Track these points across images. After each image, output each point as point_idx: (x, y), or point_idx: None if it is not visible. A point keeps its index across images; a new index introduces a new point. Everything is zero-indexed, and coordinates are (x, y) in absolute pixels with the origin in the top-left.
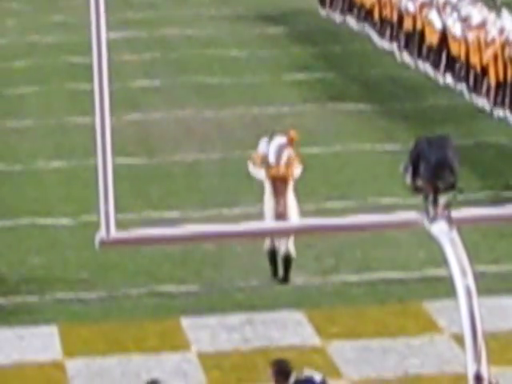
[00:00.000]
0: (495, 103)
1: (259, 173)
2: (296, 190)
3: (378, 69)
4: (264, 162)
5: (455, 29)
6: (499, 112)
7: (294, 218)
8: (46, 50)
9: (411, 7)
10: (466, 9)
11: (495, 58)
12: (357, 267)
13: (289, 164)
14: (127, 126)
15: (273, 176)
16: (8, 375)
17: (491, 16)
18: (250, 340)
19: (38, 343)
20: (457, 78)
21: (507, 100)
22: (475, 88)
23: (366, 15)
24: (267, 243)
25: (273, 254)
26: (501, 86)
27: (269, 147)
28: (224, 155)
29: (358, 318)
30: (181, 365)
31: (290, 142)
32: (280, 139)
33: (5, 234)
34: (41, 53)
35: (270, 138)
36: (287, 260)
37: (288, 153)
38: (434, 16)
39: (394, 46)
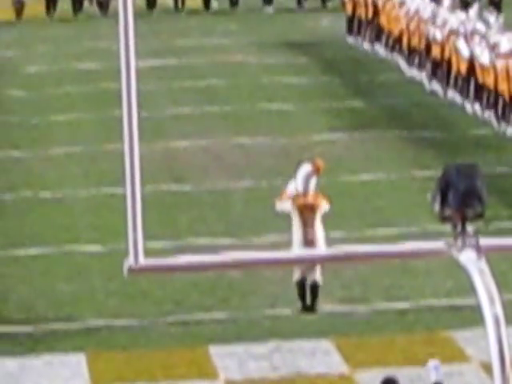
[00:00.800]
0: None
1: (285, 205)
2: (324, 218)
3: (406, 97)
4: (293, 194)
5: (483, 57)
6: None
7: (322, 247)
8: (74, 78)
9: (439, 36)
10: (495, 37)
11: None
12: (385, 295)
13: (317, 193)
14: (156, 154)
15: (300, 206)
16: None
17: None
18: (277, 368)
19: (67, 371)
20: (485, 106)
21: None
22: (503, 116)
23: (394, 43)
24: (297, 275)
25: (302, 286)
26: None
27: (297, 179)
28: (252, 183)
29: (386, 346)
30: None
31: (317, 171)
32: (306, 168)
33: (33, 262)
34: (69, 80)
35: (297, 168)
36: (314, 288)
37: (314, 182)
38: (461, 44)
39: (423, 75)
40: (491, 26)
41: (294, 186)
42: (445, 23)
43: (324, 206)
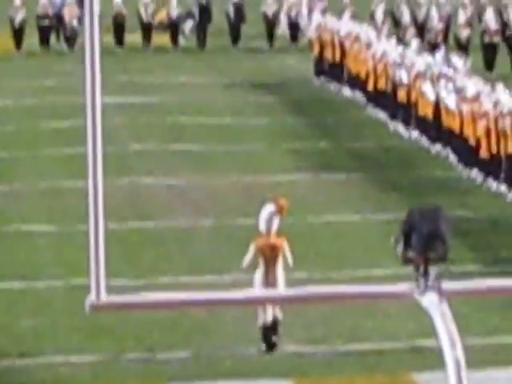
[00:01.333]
0: (486, 175)
1: (249, 252)
2: (285, 263)
3: (371, 139)
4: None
5: (449, 101)
6: (492, 185)
7: (282, 287)
8: (39, 114)
9: (405, 78)
10: (462, 81)
11: (487, 131)
12: (346, 337)
13: (279, 234)
14: (120, 190)
15: (262, 246)
16: None
17: (486, 88)
18: None
19: None
20: (450, 149)
21: (500, 173)
22: (469, 160)
23: (361, 85)
24: (261, 319)
25: (266, 330)
26: (494, 158)
27: (260, 218)
28: (216, 222)
29: None
30: None
31: (280, 210)
32: (270, 207)
33: None
34: (34, 116)
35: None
36: (275, 323)
37: (277, 222)
38: (427, 88)
39: (387, 117)
40: (458, 69)
41: (259, 223)
42: (412, 66)
43: (285, 248)
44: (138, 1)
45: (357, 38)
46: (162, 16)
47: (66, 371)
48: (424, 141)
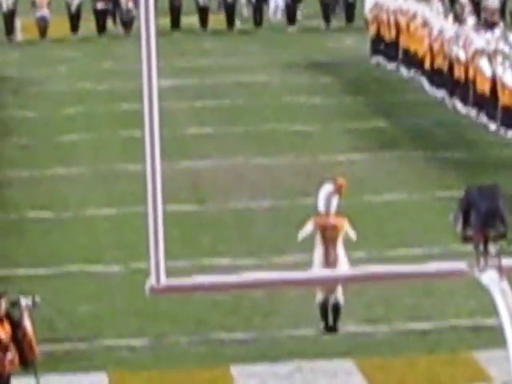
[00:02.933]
0: None
1: (307, 227)
2: (346, 238)
3: (429, 117)
4: (315, 215)
5: (506, 77)
6: None
7: (344, 267)
8: (97, 97)
9: (462, 56)
10: None
11: None
12: (407, 315)
13: (339, 213)
14: (178, 174)
15: (322, 226)
16: None
17: None
18: None
19: None
20: (507, 126)
21: None
22: None
23: (417, 63)
24: (319, 297)
25: (325, 308)
26: None
27: (319, 198)
28: (274, 203)
29: (407, 367)
30: None
31: (339, 190)
32: (328, 187)
33: (55, 281)
34: (92, 100)
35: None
36: (336, 308)
37: (336, 201)
38: (485, 64)
39: (446, 95)
40: None
41: (318, 203)
42: (469, 43)
43: (346, 227)
44: None
45: (413, 17)
46: None
47: (126, 355)
48: (482, 118)
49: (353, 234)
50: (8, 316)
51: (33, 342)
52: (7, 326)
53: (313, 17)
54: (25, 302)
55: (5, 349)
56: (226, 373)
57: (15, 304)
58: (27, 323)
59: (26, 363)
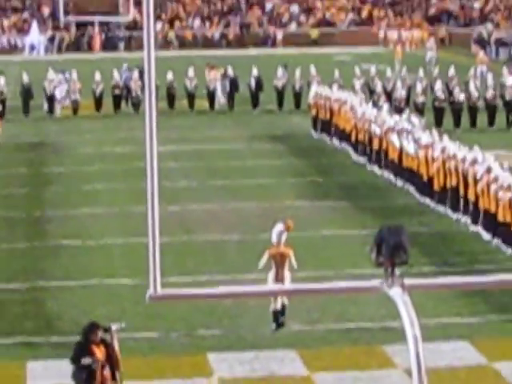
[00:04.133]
0: (437, 202)
1: (264, 258)
2: (291, 266)
3: (353, 176)
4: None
5: (409, 148)
6: (440, 208)
7: (288, 283)
8: (113, 158)
9: (378, 132)
10: (418, 134)
11: (438, 170)
12: (335, 319)
13: (286, 245)
14: (171, 214)
15: (274, 254)
16: None
17: (436, 139)
18: (256, 371)
19: None
20: (410, 183)
21: (447, 200)
22: (424, 191)
23: (345, 137)
24: (272, 306)
25: (276, 314)
26: (444, 190)
27: (273, 233)
28: (242, 236)
29: (336, 356)
30: None
31: (287, 228)
32: (280, 226)
33: (80, 291)
34: (110, 160)
35: (273, 226)
36: (283, 307)
37: (285, 236)
38: (394, 138)
39: (366, 160)
40: (416, 125)
41: (272, 237)
42: (383, 123)
43: (291, 255)
44: (184, 76)
45: (343, 103)
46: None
47: (130, 344)
48: (392, 177)
49: (294, 262)
50: (102, 340)
51: (119, 359)
52: (102, 349)
53: (270, 102)
54: (115, 327)
55: (102, 366)
56: (204, 358)
57: (107, 330)
58: (116, 344)
59: (114, 375)
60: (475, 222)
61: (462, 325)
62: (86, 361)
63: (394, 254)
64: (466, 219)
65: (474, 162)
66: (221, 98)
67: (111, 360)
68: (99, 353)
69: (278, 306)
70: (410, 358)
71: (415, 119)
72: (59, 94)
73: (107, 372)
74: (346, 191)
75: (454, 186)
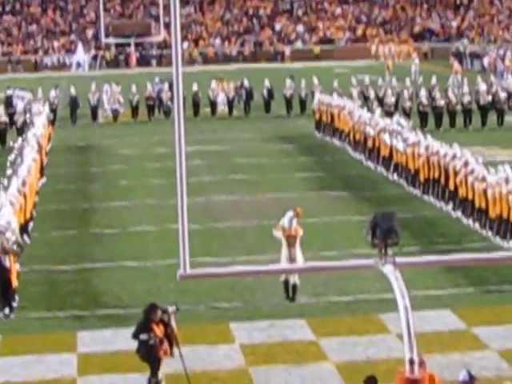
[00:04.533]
0: (423, 192)
1: (278, 234)
2: (301, 245)
3: (352, 170)
4: (282, 228)
5: (399, 146)
6: (425, 197)
7: (300, 262)
8: (148, 158)
9: (372, 132)
10: (406, 134)
11: (423, 164)
12: (337, 292)
13: (296, 228)
14: (198, 204)
15: (287, 235)
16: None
17: (421, 138)
18: (272, 337)
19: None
20: (400, 175)
21: (431, 190)
22: (412, 182)
23: (345, 137)
24: (282, 277)
25: (286, 284)
26: (428, 181)
27: (284, 219)
28: (259, 223)
29: (338, 324)
30: (229, 352)
31: (297, 215)
32: (290, 213)
33: (120, 271)
34: (145, 159)
35: (285, 213)
36: (294, 287)
37: (295, 221)
38: (386, 138)
39: (362, 157)
40: (404, 127)
41: (282, 223)
42: (376, 125)
43: (301, 235)
44: (207, 88)
45: (342, 108)
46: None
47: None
48: (384, 171)
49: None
50: (161, 320)
51: (177, 337)
52: (161, 327)
53: (280, 109)
54: (171, 309)
55: (161, 342)
56: (227, 327)
57: (165, 311)
58: (173, 324)
59: (172, 351)
60: (455, 208)
61: (445, 296)
62: (143, 336)
63: (387, 236)
64: (447, 206)
65: (454, 157)
66: (221, 106)
67: (169, 337)
68: (158, 331)
69: (291, 282)
70: (402, 325)
71: (403, 121)
72: (107, 102)
73: (166, 347)
74: (346, 183)
75: (437, 178)
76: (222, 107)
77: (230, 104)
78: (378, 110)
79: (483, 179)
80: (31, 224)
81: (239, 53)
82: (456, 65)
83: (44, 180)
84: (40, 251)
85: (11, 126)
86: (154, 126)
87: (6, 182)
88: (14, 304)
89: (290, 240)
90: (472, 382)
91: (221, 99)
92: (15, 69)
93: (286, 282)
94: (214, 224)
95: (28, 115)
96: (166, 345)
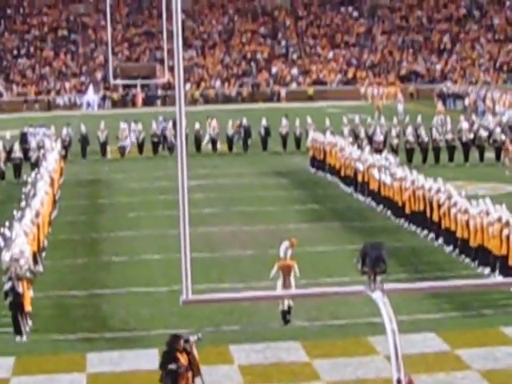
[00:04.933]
0: (409, 223)
1: (274, 270)
2: (295, 273)
3: (343, 203)
4: (278, 258)
5: (387, 180)
6: (411, 228)
7: (293, 289)
8: (152, 191)
9: (361, 168)
10: (393, 169)
11: (409, 197)
12: (330, 316)
13: (291, 258)
14: (197, 235)
15: (282, 266)
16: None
17: (408, 173)
18: (268, 358)
19: (148, 359)
20: (387, 208)
21: (416, 221)
22: (398, 214)
23: (336, 172)
24: (281, 307)
25: (284, 314)
26: (414, 213)
27: (280, 249)
28: (255, 252)
29: (330, 346)
30: (229, 372)
31: (291, 245)
32: (285, 243)
33: (128, 297)
34: (149, 193)
35: (280, 244)
36: (289, 308)
37: (290, 251)
38: (375, 173)
39: (352, 190)
40: (392, 162)
41: (279, 253)
42: (366, 160)
43: (295, 267)
44: (207, 125)
45: (334, 145)
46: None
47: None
48: (373, 203)
49: (297, 272)
50: (184, 349)
51: (199, 366)
52: (185, 356)
53: (276, 146)
54: (192, 338)
55: (186, 370)
56: (226, 349)
57: (187, 341)
58: (195, 352)
59: (194, 379)
60: (438, 238)
61: (430, 320)
62: (172, 366)
63: (376, 264)
64: (431, 236)
65: (438, 190)
66: (205, 142)
67: (191, 366)
68: (183, 359)
69: (285, 307)
70: (389, 347)
71: (391, 157)
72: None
73: (189, 375)
74: (337, 215)
75: (422, 210)
76: (206, 144)
77: (230, 141)
78: (368, 147)
79: (466, 211)
80: (44, 253)
81: (238, 94)
82: (440, 105)
83: (56, 211)
84: (52, 278)
85: (26, 160)
86: (158, 162)
87: (20, 213)
88: (27, 328)
89: (285, 270)
90: None
91: (207, 137)
92: (31, 108)
93: (284, 312)
94: (213, 253)
95: (41, 151)
96: (189, 373)
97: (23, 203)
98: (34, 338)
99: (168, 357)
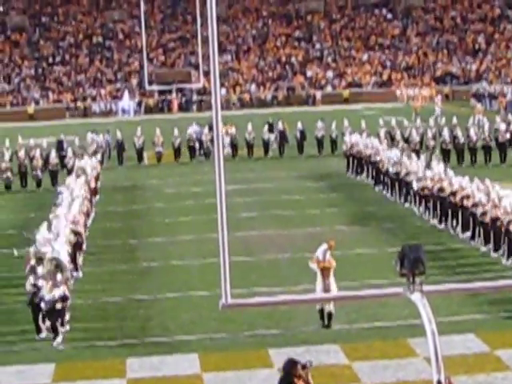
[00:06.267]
0: (445, 224)
1: (314, 266)
2: (335, 275)
3: (380, 205)
4: (317, 260)
5: (426, 182)
6: (450, 230)
7: (334, 291)
8: (190, 196)
9: (398, 170)
10: (432, 171)
11: (448, 198)
12: (369, 319)
13: (330, 260)
14: (236, 239)
15: (321, 267)
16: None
17: (442, 172)
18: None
19: (187, 364)
20: (425, 209)
21: (454, 223)
22: (436, 215)
23: (372, 174)
24: (318, 305)
25: (321, 312)
26: (451, 213)
27: (318, 252)
28: (293, 255)
29: (370, 348)
30: (269, 376)
31: (330, 247)
32: (324, 245)
33: (168, 302)
34: (187, 197)
35: (319, 246)
36: (329, 315)
37: (329, 253)
38: (412, 175)
39: (389, 194)
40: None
41: (317, 255)
42: (402, 163)
43: (334, 266)
44: (244, 130)
45: (370, 148)
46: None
47: (208, 343)
48: (412, 206)
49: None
50: (300, 375)
51: None
52: (302, 382)
53: (312, 149)
54: (309, 363)
55: None
56: (266, 353)
57: (304, 367)
58: (311, 380)
59: None
60: (475, 237)
61: (469, 321)
62: None
63: (414, 266)
64: (465, 235)
65: (478, 190)
66: (226, 148)
67: None
68: None
69: (326, 310)
70: (429, 348)
71: (437, 164)
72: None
73: None
74: (374, 217)
75: (461, 210)
76: (226, 150)
77: (266, 145)
78: (406, 150)
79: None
80: (82, 258)
81: (273, 97)
82: (478, 106)
83: (93, 217)
84: (91, 284)
85: (62, 168)
86: (195, 167)
87: (56, 220)
88: (64, 333)
89: (325, 271)
90: None
91: (226, 142)
92: (73, 115)
93: (322, 311)
94: (251, 257)
95: (78, 158)
96: None
97: (60, 209)
98: (73, 344)
99: (286, 383)
